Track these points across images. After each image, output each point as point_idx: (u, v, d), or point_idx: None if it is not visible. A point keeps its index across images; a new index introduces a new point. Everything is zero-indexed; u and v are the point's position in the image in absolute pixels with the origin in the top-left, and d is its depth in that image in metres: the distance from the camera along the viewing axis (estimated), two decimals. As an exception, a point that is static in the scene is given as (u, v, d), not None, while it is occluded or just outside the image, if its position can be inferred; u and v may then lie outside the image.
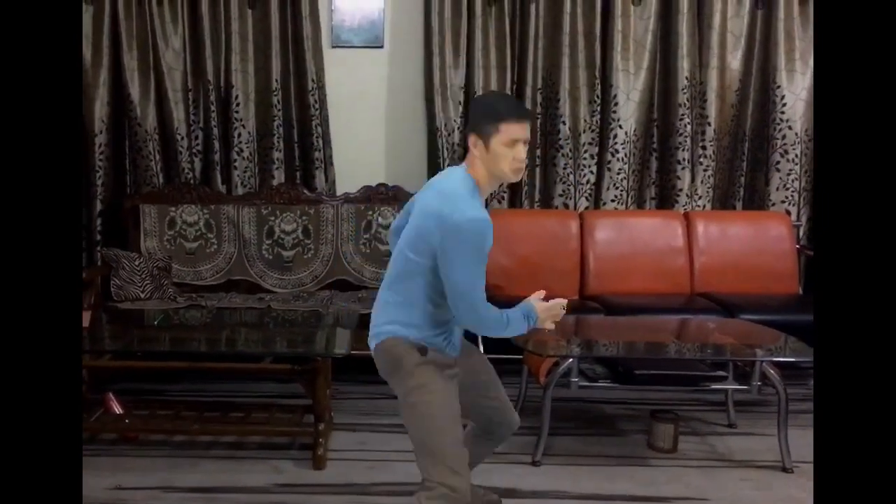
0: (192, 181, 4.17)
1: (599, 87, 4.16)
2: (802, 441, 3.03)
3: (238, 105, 4.13)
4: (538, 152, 4.24)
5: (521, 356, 3.16)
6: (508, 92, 4.13)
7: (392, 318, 2.04)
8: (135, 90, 4.10)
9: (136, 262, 3.87)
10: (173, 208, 4.06)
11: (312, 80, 4.10)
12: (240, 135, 4.16)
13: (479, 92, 4.10)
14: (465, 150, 2.07)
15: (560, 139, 4.18)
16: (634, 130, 4.19)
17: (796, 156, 4.20)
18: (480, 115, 2.01)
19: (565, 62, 4.12)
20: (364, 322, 3.42)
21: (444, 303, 1.98)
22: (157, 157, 4.17)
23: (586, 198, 4.25)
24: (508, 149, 1.97)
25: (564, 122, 4.16)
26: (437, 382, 2.01)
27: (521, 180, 4.19)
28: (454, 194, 1.95)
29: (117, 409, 3.09)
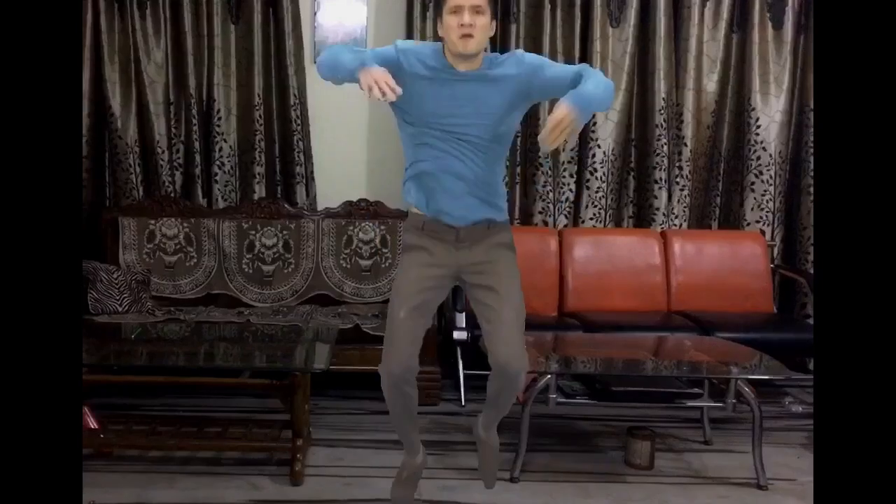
0: (172, 194, 4.15)
1: (579, 106, 4.21)
2: (777, 458, 3.09)
3: (220, 119, 4.14)
4: (518, 170, 4.28)
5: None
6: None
7: None
8: (115, 102, 4.09)
9: (115, 275, 3.84)
10: (153, 221, 4.04)
11: (294, 96, 4.11)
12: (221, 149, 4.16)
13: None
14: None
15: (540, 157, 4.23)
16: (613, 150, 4.25)
17: (770, 177, 4.28)
18: None
19: (545, 82, 4.17)
20: (344, 337, 3.47)
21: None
22: (138, 169, 4.16)
23: (565, 215, 4.30)
24: (454, 16, 2.11)
25: (544, 141, 4.21)
26: (405, 263, 2.29)
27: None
28: None
29: (92, 424, 3.05)
